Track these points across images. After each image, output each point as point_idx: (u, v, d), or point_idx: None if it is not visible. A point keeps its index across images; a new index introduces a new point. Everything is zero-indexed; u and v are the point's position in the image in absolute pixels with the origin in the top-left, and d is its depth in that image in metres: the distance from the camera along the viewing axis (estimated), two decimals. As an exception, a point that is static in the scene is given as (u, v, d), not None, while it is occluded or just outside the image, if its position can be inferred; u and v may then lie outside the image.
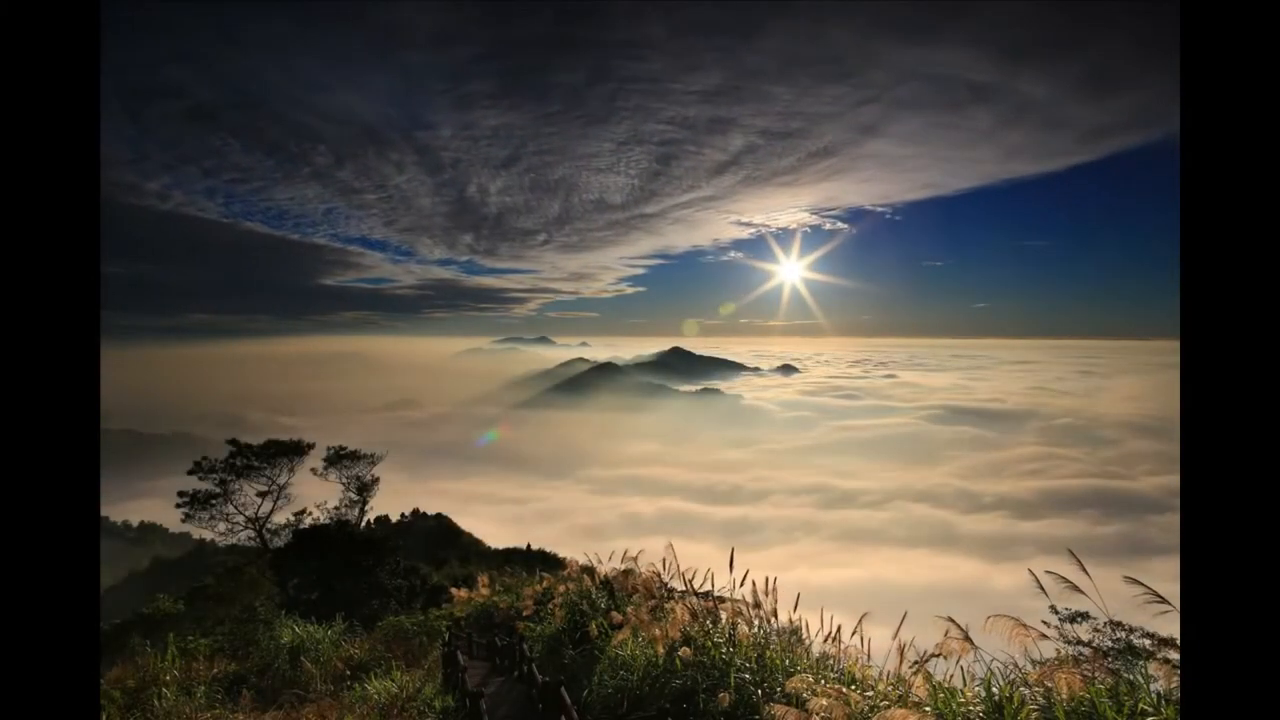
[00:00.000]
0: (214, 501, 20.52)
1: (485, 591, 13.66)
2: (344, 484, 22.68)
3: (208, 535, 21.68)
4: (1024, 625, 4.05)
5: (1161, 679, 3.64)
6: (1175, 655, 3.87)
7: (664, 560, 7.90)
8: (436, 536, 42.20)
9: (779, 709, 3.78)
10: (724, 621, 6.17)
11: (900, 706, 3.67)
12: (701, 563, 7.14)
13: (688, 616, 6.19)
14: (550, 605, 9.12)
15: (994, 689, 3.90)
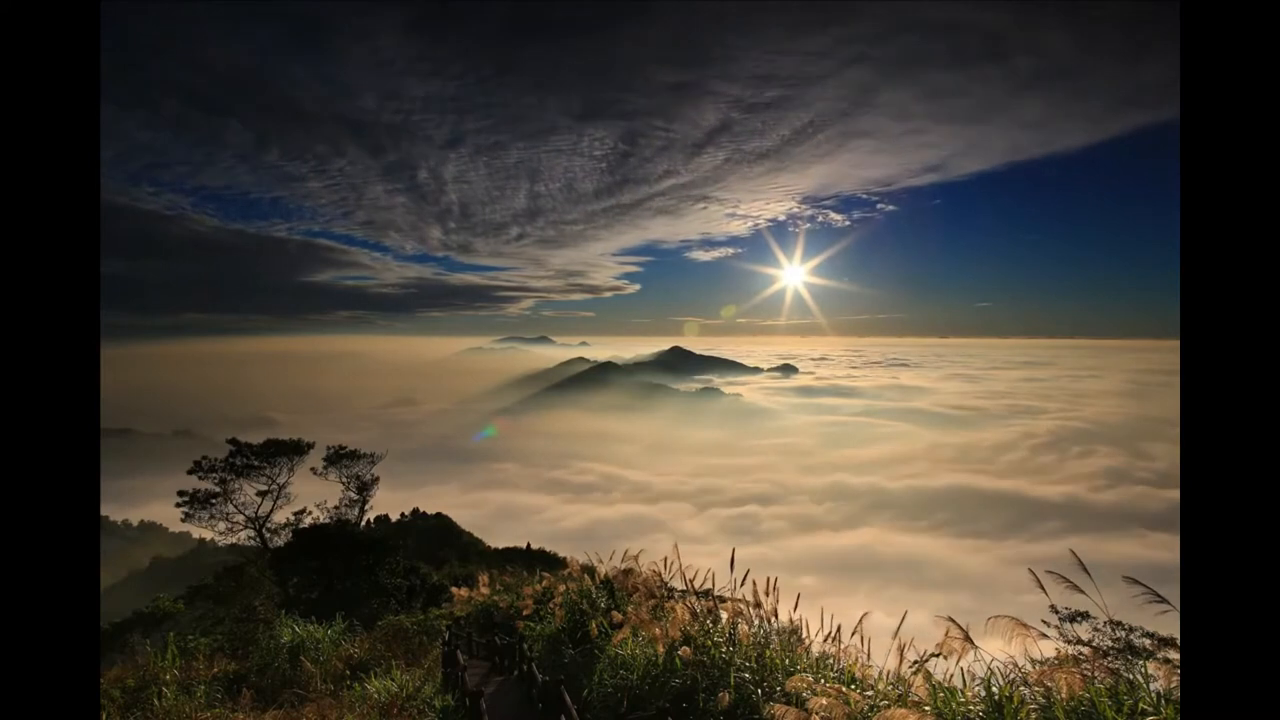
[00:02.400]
0: (214, 501, 20.51)
1: (485, 591, 13.66)
2: (344, 483, 22.68)
3: (208, 535, 21.66)
4: (1024, 625, 4.06)
5: (1161, 679, 3.64)
6: (1175, 655, 3.87)
7: (665, 560, 7.90)
8: (436, 536, 42.24)
9: (779, 708, 3.78)
10: (724, 621, 6.18)
11: (900, 706, 3.67)
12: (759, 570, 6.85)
13: (688, 616, 6.20)
14: (550, 605, 9.12)
15: (994, 688, 3.90)
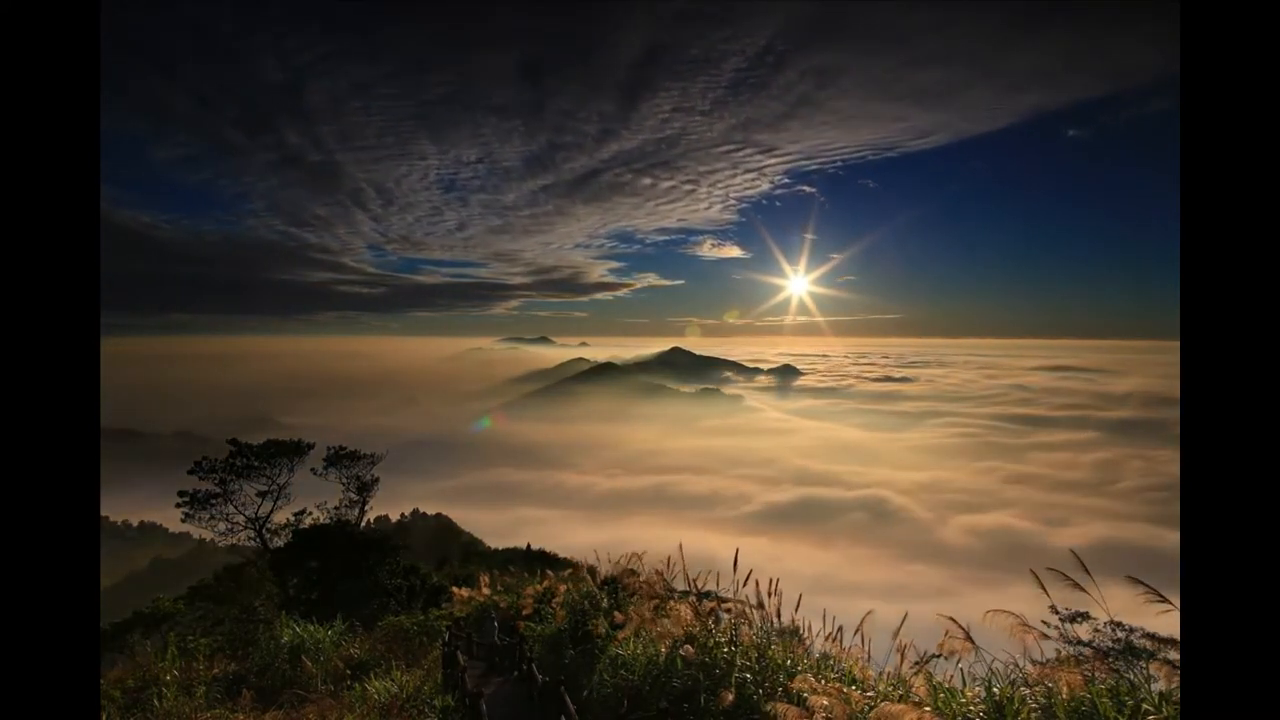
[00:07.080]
0: (214, 501, 20.50)
1: (485, 591, 13.66)
2: (344, 484, 22.67)
3: (208, 535, 21.66)
4: (1025, 625, 4.05)
5: (1161, 679, 3.64)
6: (1175, 655, 3.87)
7: (668, 560, 7.90)
8: (436, 536, 42.25)
9: (780, 708, 3.78)
10: (726, 622, 6.17)
11: (900, 704, 3.67)
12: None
13: (690, 616, 6.19)
14: (551, 605, 9.12)
15: (994, 689, 3.90)
